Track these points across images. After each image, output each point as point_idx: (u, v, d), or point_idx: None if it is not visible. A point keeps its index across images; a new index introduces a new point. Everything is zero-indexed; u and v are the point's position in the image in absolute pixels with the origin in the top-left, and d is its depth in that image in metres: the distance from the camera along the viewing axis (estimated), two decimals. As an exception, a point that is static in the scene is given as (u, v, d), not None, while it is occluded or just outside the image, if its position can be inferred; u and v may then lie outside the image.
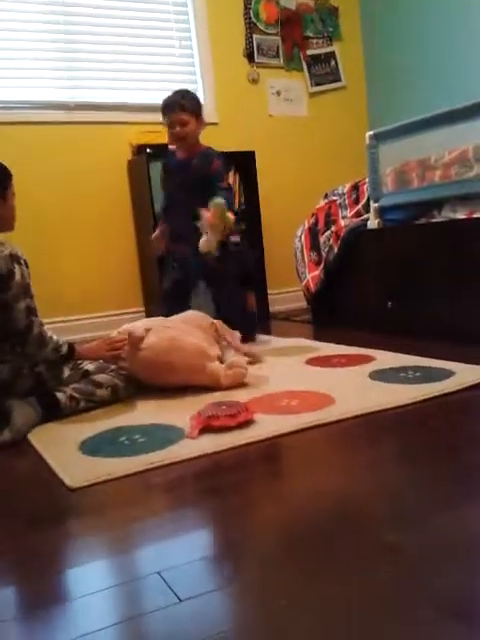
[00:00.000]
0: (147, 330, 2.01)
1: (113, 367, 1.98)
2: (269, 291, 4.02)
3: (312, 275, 3.30)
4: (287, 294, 4.20)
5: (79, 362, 1.94)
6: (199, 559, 0.96)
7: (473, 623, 0.74)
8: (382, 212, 2.85)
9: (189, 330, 2.13)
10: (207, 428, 1.57)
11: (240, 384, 2.02)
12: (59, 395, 1.79)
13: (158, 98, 3.87)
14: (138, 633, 0.79)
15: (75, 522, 1.17)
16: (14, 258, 1.75)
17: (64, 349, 1.85)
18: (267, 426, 1.58)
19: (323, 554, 0.94)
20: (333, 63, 4.43)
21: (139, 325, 2.07)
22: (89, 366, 1.94)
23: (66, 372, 1.89)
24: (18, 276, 1.74)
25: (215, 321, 2.29)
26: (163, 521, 1.12)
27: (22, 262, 1.78)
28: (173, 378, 2.00)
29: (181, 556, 0.98)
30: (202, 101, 4.02)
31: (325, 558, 0.93)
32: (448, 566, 0.87)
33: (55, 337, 1.83)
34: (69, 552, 1.04)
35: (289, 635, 0.75)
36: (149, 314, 3.68)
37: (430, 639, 0.72)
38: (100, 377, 1.91)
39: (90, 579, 0.95)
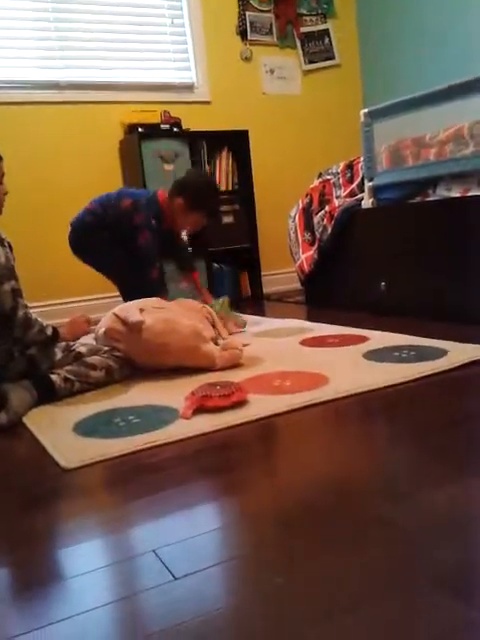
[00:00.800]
0: (141, 311, 2.01)
1: (106, 349, 1.97)
2: (263, 272, 4.02)
3: (306, 256, 3.29)
4: (280, 275, 4.19)
5: (71, 345, 1.93)
6: (194, 537, 0.97)
7: (470, 599, 0.75)
8: (376, 191, 2.83)
9: (183, 312, 2.13)
10: (201, 408, 1.57)
11: (235, 365, 2.03)
12: (54, 377, 1.78)
13: (150, 77, 3.85)
14: (134, 611, 0.80)
15: (69, 502, 1.17)
16: None
17: (49, 331, 1.84)
18: (261, 406, 1.58)
19: (318, 531, 0.95)
20: (327, 41, 4.38)
21: (132, 307, 2.06)
22: (81, 348, 1.93)
23: (58, 354, 1.88)
24: (2, 258, 1.73)
25: (205, 305, 2.30)
26: (158, 500, 1.12)
27: (5, 244, 1.77)
28: (168, 360, 2.00)
29: (176, 534, 0.98)
30: (195, 80, 4.00)
31: (320, 535, 0.93)
32: (444, 542, 0.88)
33: (40, 319, 1.83)
34: (64, 532, 1.05)
35: (285, 612, 0.76)
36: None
37: (429, 615, 0.72)
38: (93, 359, 1.91)
39: (85, 558, 0.95)
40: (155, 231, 2.77)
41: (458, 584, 0.78)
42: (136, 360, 2.02)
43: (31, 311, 1.80)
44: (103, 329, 2.05)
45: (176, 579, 0.84)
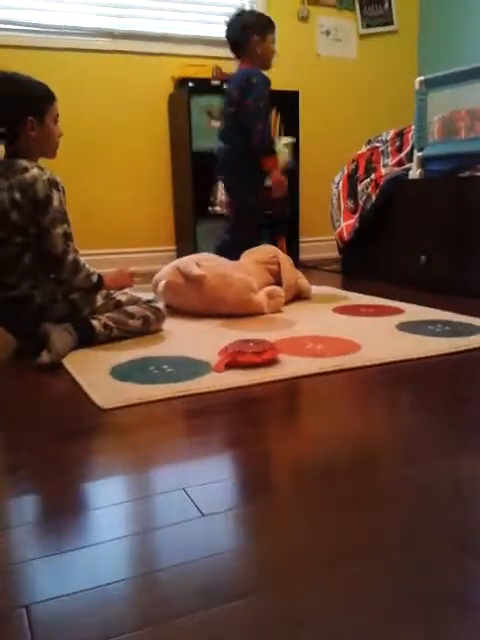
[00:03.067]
0: (198, 265, 2.22)
1: (144, 299, 2.02)
2: (301, 238, 4.00)
3: (346, 223, 3.26)
4: (319, 243, 4.17)
5: (111, 293, 1.98)
6: (222, 480, 1.01)
7: (480, 558, 0.78)
8: (425, 162, 2.79)
9: (236, 265, 2.38)
10: (233, 363, 1.61)
11: (277, 311, 2.32)
12: (94, 322, 1.84)
13: (203, 31, 3.80)
14: (154, 543, 0.84)
15: (104, 439, 1.22)
16: (52, 183, 1.77)
17: (94, 278, 1.89)
18: (292, 366, 1.61)
19: (338, 486, 0.98)
20: (387, 5, 4.25)
21: (191, 261, 2.26)
22: (121, 297, 1.98)
23: (99, 301, 1.93)
24: (56, 201, 1.77)
25: (279, 255, 2.51)
26: (189, 444, 1.17)
27: (60, 188, 1.80)
28: (223, 309, 2.22)
29: (205, 477, 1.03)
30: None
31: (340, 490, 0.97)
32: (463, 505, 0.91)
33: (87, 265, 1.87)
34: (96, 465, 1.10)
35: (297, 558, 0.79)
36: (180, 253, 3.70)
37: (445, 572, 0.75)
38: (132, 308, 1.95)
39: (114, 492, 0.99)
40: (267, 111, 2.72)
41: (476, 545, 0.81)
42: (193, 309, 2.23)
43: (80, 256, 1.84)
44: (164, 282, 2.25)
45: (203, 516, 0.89)
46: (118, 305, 1.95)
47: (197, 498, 0.94)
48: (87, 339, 1.82)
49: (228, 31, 2.74)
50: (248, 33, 2.68)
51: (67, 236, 1.79)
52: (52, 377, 1.61)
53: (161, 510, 0.93)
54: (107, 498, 0.97)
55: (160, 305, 2.05)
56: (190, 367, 1.62)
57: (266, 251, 2.57)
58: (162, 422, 1.29)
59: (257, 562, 0.79)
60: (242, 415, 1.32)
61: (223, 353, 1.65)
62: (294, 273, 2.53)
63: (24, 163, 1.78)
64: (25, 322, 1.83)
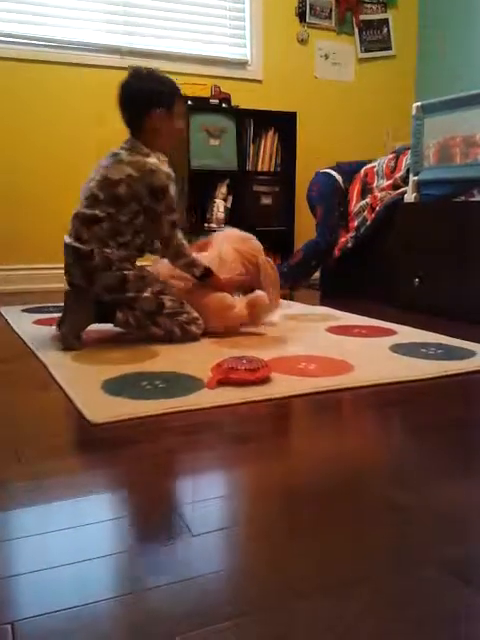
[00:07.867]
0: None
1: (186, 316, 2.06)
2: (296, 257, 4.01)
3: (340, 240, 3.29)
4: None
5: (165, 292, 2.05)
6: (213, 498, 1.00)
7: (471, 582, 0.77)
8: (421, 186, 2.81)
9: (213, 256, 2.26)
10: (225, 381, 1.60)
11: (265, 322, 2.32)
12: (119, 315, 1.99)
13: (204, 50, 3.84)
14: (143, 562, 0.82)
15: (94, 455, 1.21)
16: (170, 177, 1.95)
17: (197, 272, 2.02)
18: (284, 385, 1.61)
19: (327, 508, 0.97)
20: (385, 30, 4.32)
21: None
22: (167, 302, 2.04)
23: (147, 291, 2.02)
24: (171, 192, 1.95)
25: (260, 260, 2.36)
26: (179, 461, 1.16)
27: (174, 182, 1.98)
28: (208, 327, 2.18)
29: (196, 494, 1.02)
30: (248, 57, 3.98)
31: (328, 511, 0.96)
32: (453, 530, 0.90)
33: (194, 255, 2.00)
34: (85, 481, 1.08)
35: (285, 581, 0.78)
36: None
37: (432, 596, 0.74)
38: (162, 320, 2.04)
39: (104, 508, 0.98)
40: None
41: (465, 570, 0.80)
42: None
43: (187, 248, 2.03)
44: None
45: (193, 535, 0.88)
46: (161, 307, 2.02)
47: (187, 517, 0.93)
48: (106, 321, 2.01)
49: None
50: None
51: (174, 224, 1.97)
52: (43, 390, 1.60)
53: (151, 528, 0.92)
54: (96, 514, 0.96)
55: (195, 328, 2.09)
56: (183, 383, 1.62)
57: (252, 246, 2.38)
58: (153, 438, 1.28)
59: (247, 585, 0.78)
60: (233, 433, 1.31)
61: (216, 370, 1.65)
62: (274, 272, 2.40)
63: (147, 150, 1.95)
64: (80, 274, 1.98)
